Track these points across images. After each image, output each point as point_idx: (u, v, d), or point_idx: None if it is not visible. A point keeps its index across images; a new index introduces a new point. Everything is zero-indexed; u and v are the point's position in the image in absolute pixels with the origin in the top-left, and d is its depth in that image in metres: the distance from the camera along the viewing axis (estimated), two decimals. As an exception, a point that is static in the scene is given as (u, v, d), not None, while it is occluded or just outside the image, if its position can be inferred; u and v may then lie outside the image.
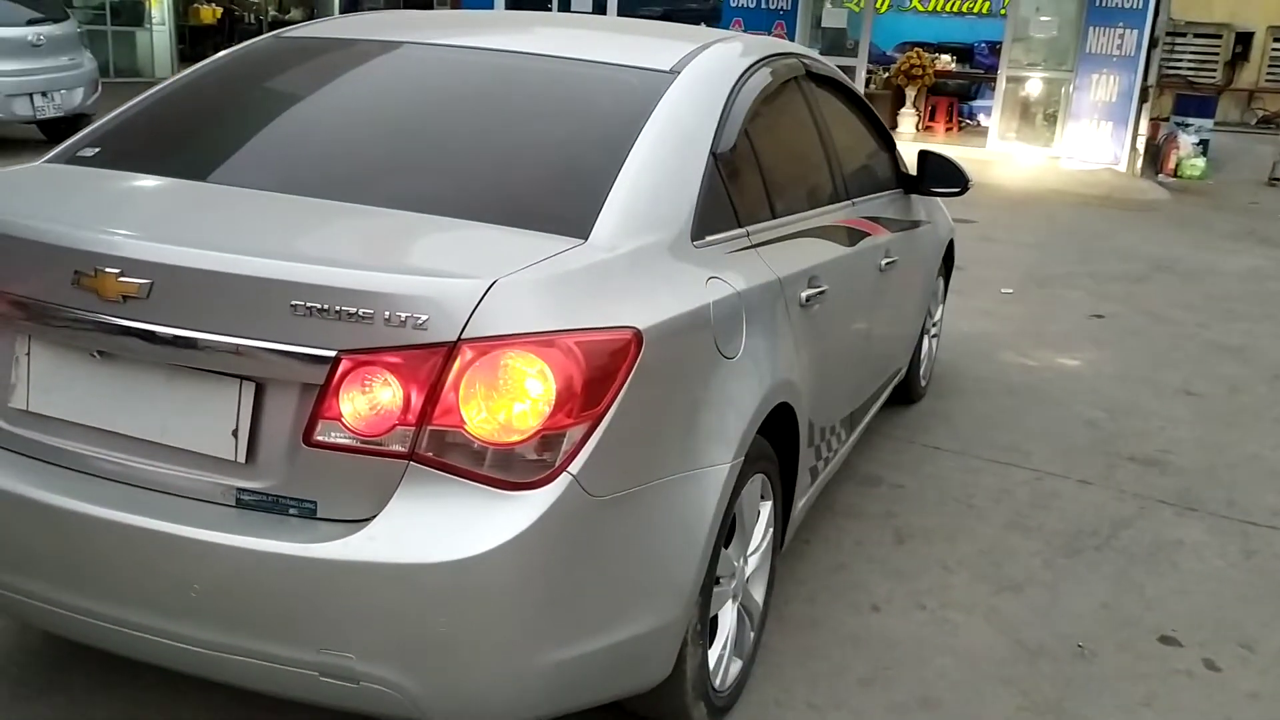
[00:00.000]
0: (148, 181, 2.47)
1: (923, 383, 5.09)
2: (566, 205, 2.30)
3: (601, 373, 1.99)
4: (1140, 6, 13.16)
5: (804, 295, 2.86)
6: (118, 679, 2.65)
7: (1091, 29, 13.65)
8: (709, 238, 2.48)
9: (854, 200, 3.55)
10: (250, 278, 1.94)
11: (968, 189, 4.23)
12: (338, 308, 1.89)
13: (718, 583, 2.50)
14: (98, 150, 2.60)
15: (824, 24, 15.54)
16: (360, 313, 1.88)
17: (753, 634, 2.82)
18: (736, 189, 2.69)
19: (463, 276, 1.95)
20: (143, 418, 2.06)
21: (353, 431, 1.93)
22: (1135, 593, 3.49)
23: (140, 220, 2.23)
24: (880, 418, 4.65)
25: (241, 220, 2.25)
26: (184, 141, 2.72)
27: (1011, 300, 7.28)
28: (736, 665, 2.73)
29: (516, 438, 1.92)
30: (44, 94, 10.08)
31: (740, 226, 2.66)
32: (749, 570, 2.74)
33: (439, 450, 1.92)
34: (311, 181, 2.43)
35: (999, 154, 14.14)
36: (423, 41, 2.99)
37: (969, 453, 4.55)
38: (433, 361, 1.89)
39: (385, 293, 1.89)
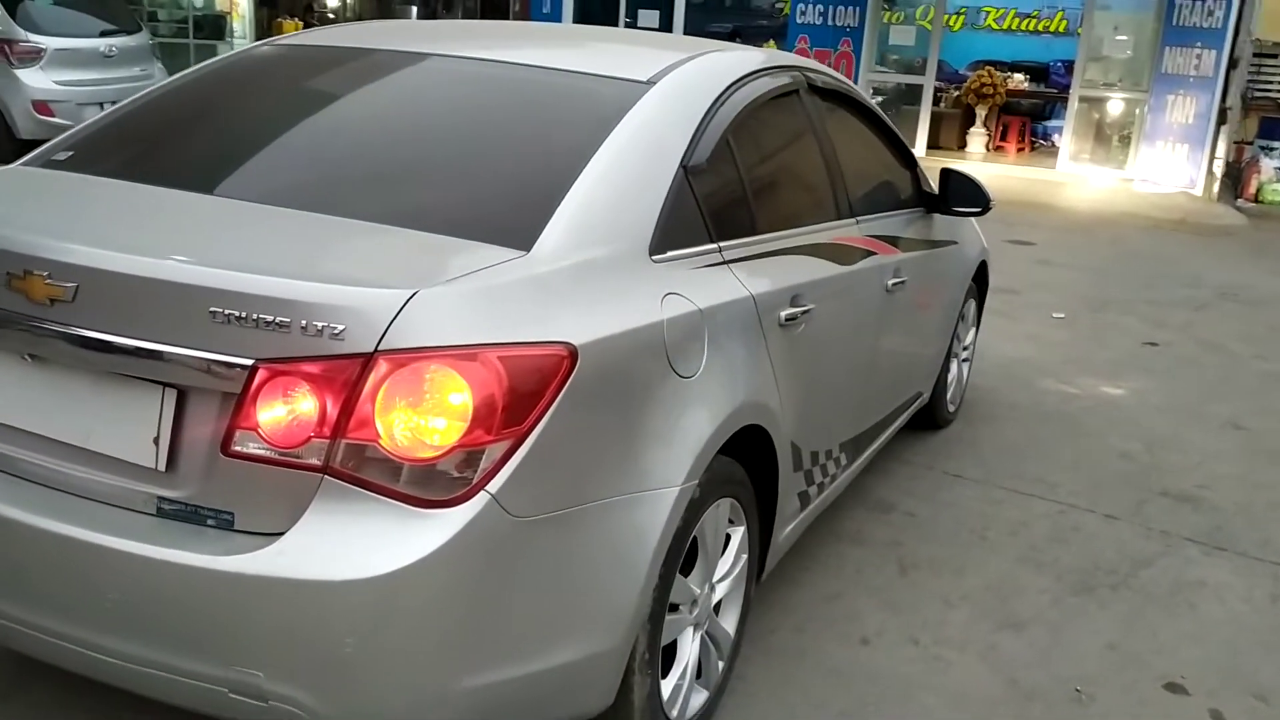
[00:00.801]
0: (101, 186, 2.47)
1: (950, 408, 4.93)
2: (513, 215, 2.24)
3: (527, 389, 1.92)
4: (1219, 26, 12.71)
5: (784, 314, 2.76)
6: (82, 685, 2.64)
7: (1168, 49, 13.25)
8: (671, 253, 2.40)
9: (859, 218, 3.44)
10: (170, 283, 1.91)
11: (989, 208, 4.11)
12: (255, 315, 1.85)
13: (674, 609, 2.41)
14: (70, 154, 2.61)
15: (892, 41, 15.32)
16: (278, 321, 1.85)
17: (721, 664, 2.72)
18: (710, 203, 2.60)
19: (384, 286, 1.90)
20: (70, 422, 2.05)
21: (269, 442, 1.89)
22: (1146, 635, 3.31)
23: (77, 224, 2.22)
24: (901, 443, 4.52)
25: (176, 225, 2.24)
26: (149, 147, 2.72)
27: (1062, 325, 7.05)
28: (700, 696, 2.63)
29: (431, 453, 1.86)
30: (114, 104, 10.31)
31: (712, 242, 2.58)
32: (716, 598, 2.65)
33: (354, 464, 1.87)
34: (264, 187, 2.40)
35: (1069, 176, 13.77)
36: (404, 50, 2.95)
37: (991, 482, 4.39)
38: (349, 373, 1.85)
39: (302, 301, 1.85)
